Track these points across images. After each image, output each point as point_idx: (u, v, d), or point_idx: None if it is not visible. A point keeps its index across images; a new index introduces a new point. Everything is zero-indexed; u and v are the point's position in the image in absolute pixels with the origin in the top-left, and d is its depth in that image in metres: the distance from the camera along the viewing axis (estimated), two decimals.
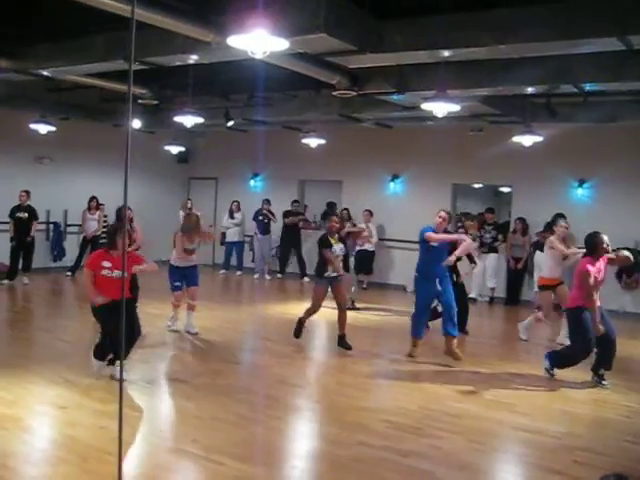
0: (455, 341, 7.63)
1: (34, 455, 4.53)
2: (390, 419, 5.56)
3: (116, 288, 6.10)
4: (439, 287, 7.55)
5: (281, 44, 5.45)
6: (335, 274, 7.98)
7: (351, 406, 5.93)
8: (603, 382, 6.81)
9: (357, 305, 11.07)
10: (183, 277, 8.62)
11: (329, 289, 8.14)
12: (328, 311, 10.57)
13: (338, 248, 8.00)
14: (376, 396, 6.48)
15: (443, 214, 7.61)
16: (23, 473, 4.22)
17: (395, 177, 14.14)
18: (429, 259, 7.59)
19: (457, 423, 5.55)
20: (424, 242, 7.57)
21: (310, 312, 8.20)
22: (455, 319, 7.60)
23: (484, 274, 12.49)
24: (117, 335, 6.18)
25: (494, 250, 12.46)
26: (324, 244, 7.97)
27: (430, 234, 7.47)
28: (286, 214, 14.78)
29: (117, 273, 6.21)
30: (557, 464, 4.79)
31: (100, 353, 6.35)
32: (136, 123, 12.76)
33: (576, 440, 5.29)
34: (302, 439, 5.38)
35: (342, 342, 8.06)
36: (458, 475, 4.59)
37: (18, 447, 4.65)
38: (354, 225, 11.89)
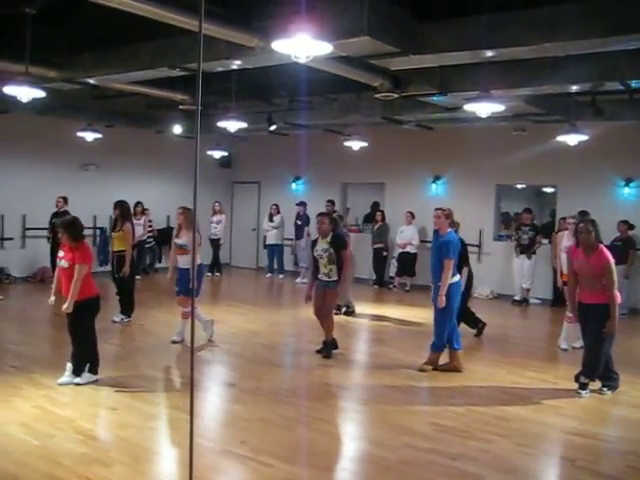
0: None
1: (87, 455, 4.62)
2: (437, 422, 5.53)
3: (63, 280, 6.24)
4: (432, 295, 7.25)
5: (325, 48, 5.47)
6: (327, 279, 7.66)
7: (397, 408, 5.91)
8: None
9: (350, 310, 10.64)
10: (180, 280, 8.11)
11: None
12: (368, 317, 10.60)
13: (320, 248, 7.66)
14: (422, 398, 6.45)
15: (436, 212, 7.25)
16: (77, 472, 4.30)
17: (437, 178, 14.06)
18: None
19: (505, 426, 5.49)
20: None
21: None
22: (437, 331, 7.23)
23: (522, 275, 12.35)
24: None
25: (532, 251, 12.27)
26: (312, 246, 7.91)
27: (449, 263, 7.01)
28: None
29: (62, 263, 6.25)
30: (610, 469, 4.72)
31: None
32: (177, 129, 12.96)
33: (629, 444, 5.20)
34: (349, 441, 5.38)
35: (323, 347, 7.77)
36: (507, 478, 4.54)
37: (72, 447, 4.75)
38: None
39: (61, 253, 6.33)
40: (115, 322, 9.13)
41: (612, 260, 6.29)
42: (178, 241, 8.20)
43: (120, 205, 9.51)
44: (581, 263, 6.43)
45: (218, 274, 15.13)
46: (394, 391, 6.47)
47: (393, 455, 4.81)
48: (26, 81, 7.41)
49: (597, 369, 6.42)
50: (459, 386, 6.72)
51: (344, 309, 10.49)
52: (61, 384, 6.16)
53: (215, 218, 15.10)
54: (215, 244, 15.14)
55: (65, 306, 6.07)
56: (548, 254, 12.18)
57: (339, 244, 7.68)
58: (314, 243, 7.89)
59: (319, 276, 7.76)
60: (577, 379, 6.48)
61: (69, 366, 6.27)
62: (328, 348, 7.74)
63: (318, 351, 7.77)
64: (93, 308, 6.36)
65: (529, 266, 12.25)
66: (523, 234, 12.38)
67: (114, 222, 9.69)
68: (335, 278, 7.63)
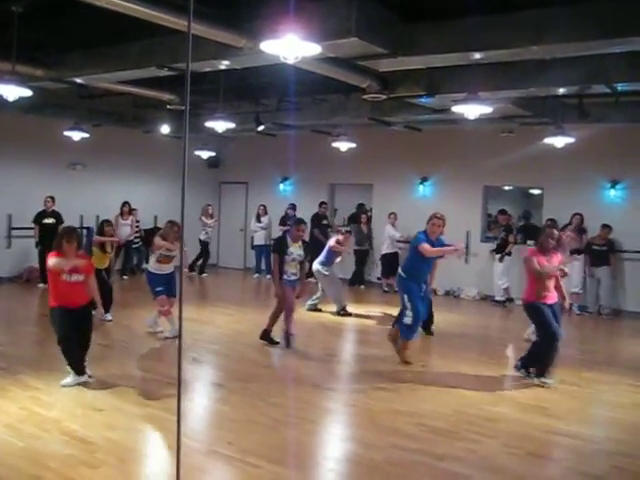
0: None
1: (74, 457, 4.59)
2: (425, 422, 5.55)
3: (76, 294, 6.16)
4: (423, 289, 7.51)
5: (313, 49, 5.47)
6: (295, 277, 8.13)
7: (385, 409, 5.92)
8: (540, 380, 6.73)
9: (349, 311, 10.71)
10: (164, 283, 8.37)
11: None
12: (354, 317, 10.60)
13: (296, 253, 8.06)
14: (410, 400, 6.44)
15: (440, 221, 7.34)
16: (64, 474, 4.29)
17: (424, 180, 14.09)
18: (418, 262, 7.37)
19: (492, 427, 5.51)
20: (415, 246, 7.34)
21: (275, 314, 8.29)
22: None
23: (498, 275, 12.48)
24: (66, 344, 6.16)
25: (505, 252, 12.35)
26: (277, 248, 8.16)
27: (424, 247, 7.17)
28: (314, 218, 14.29)
29: (76, 277, 6.14)
30: (596, 469, 4.75)
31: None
32: (165, 129, 12.92)
33: (615, 445, 5.23)
34: (336, 442, 5.38)
35: (265, 335, 8.30)
36: (494, 479, 4.57)
37: (58, 448, 4.73)
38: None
39: (65, 268, 6.10)
40: (110, 320, 9.06)
41: None
42: (171, 253, 8.37)
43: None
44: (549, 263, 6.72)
45: (205, 274, 15.18)
46: (382, 392, 6.47)
47: (380, 456, 4.82)
48: (13, 80, 7.37)
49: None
50: (446, 387, 6.73)
51: (341, 311, 10.59)
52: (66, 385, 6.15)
53: (210, 221, 15.13)
54: (205, 245, 15.23)
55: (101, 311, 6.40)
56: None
57: (312, 245, 8.40)
58: (281, 244, 8.13)
59: (288, 276, 8.12)
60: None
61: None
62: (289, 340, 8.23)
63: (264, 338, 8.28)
64: None
65: (503, 266, 12.32)
66: (499, 234, 12.51)
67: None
68: (299, 274, 8.21)
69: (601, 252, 11.45)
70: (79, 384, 6.19)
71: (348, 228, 12.25)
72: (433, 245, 7.26)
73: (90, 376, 6.24)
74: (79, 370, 6.26)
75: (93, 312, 6.58)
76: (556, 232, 6.87)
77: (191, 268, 14.88)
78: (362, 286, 14.04)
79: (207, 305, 11.12)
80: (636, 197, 11.68)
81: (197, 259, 15.12)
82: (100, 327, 8.95)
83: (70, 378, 6.23)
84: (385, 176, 14.31)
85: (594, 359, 7.87)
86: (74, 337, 6.18)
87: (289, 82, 9.27)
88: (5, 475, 4.25)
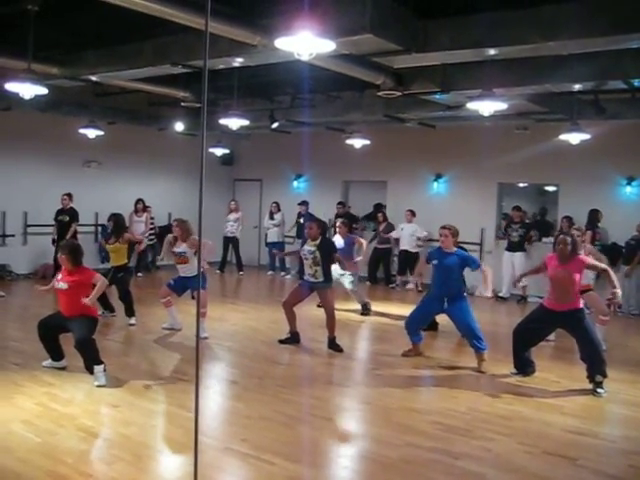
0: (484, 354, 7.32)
1: (90, 453, 4.63)
2: (439, 421, 5.53)
3: (62, 301, 6.37)
4: (445, 305, 7.31)
5: (327, 45, 5.47)
6: (313, 279, 7.95)
7: (399, 407, 5.91)
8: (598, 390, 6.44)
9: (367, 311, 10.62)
10: (182, 284, 8.46)
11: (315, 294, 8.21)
12: (371, 315, 10.58)
13: (307, 249, 7.98)
14: (425, 398, 6.44)
15: (443, 231, 7.39)
16: (79, 470, 4.31)
17: (438, 177, 14.04)
18: (434, 277, 7.49)
19: (507, 425, 5.48)
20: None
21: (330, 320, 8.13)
22: (476, 334, 7.28)
23: (512, 273, 12.33)
24: (38, 329, 6.50)
25: (522, 249, 12.28)
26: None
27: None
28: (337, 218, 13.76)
29: (60, 285, 6.33)
30: (612, 468, 4.71)
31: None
32: (179, 126, 12.96)
33: (631, 444, 5.19)
34: (351, 439, 5.37)
35: (332, 344, 8.03)
36: (510, 478, 4.54)
37: (75, 445, 4.75)
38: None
39: (59, 275, 6.44)
40: (133, 325, 8.96)
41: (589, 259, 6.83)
42: (176, 250, 8.40)
43: (114, 218, 9.33)
44: (556, 270, 6.57)
45: (242, 273, 15.26)
46: (396, 390, 6.46)
47: (395, 454, 4.81)
48: (28, 78, 7.40)
49: (604, 361, 6.46)
50: (461, 385, 6.71)
51: (361, 309, 10.54)
52: (101, 385, 6.14)
53: (232, 216, 15.17)
54: (233, 242, 15.27)
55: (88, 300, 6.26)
56: (545, 252, 12.15)
57: (328, 248, 8.02)
58: (303, 243, 8.30)
59: (305, 277, 8.15)
60: (592, 379, 6.46)
61: (98, 369, 6.23)
62: (335, 345, 8.00)
63: (282, 341, 8.28)
64: (95, 328, 6.46)
65: (521, 264, 12.21)
66: (513, 231, 12.41)
67: (109, 234, 9.42)
68: (322, 279, 7.93)
69: (634, 248, 11.22)
70: (92, 382, 6.23)
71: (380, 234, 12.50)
72: (441, 257, 7.36)
73: (105, 369, 6.24)
74: (52, 357, 6.64)
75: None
76: (567, 238, 6.55)
77: (220, 269, 15.16)
78: (367, 282, 13.91)
79: (221, 302, 11.13)
80: None
81: (224, 258, 15.25)
82: (116, 324, 9.02)
83: (48, 360, 6.66)
84: (399, 173, 14.28)
85: (612, 357, 7.80)
86: (47, 329, 6.50)
87: (303, 79, 9.29)
88: (21, 470, 4.29)
